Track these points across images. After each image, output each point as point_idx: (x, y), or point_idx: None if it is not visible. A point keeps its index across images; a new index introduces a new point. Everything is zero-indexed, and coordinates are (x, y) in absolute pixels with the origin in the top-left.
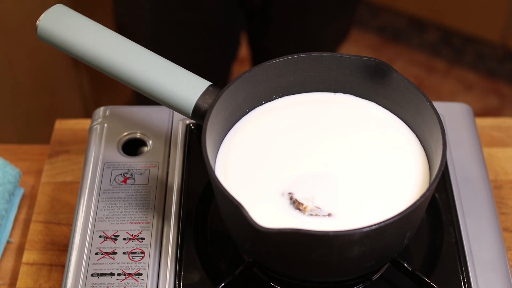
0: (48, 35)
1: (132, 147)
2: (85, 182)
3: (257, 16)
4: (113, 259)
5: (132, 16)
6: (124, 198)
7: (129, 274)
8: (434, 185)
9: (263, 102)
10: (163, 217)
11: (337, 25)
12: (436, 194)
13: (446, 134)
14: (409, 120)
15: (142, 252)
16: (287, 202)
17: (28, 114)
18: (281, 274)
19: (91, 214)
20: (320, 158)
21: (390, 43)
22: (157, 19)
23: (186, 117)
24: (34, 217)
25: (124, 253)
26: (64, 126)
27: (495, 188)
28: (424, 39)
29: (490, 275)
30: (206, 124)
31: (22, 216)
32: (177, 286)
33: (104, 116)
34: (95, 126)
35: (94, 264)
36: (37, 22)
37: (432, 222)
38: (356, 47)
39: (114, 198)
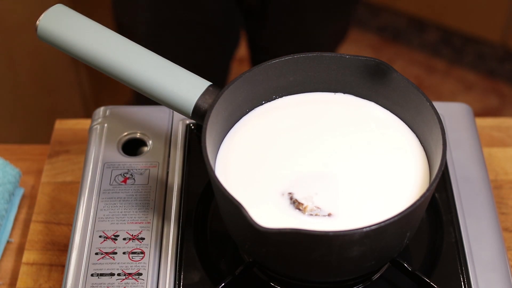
0: (48, 35)
1: (132, 147)
2: (85, 182)
3: (255, 15)
4: (113, 259)
5: (131, 15)
6: (124, 198)
7: (129, 274)
8: (434, 185)
9: (263, 102)
10: (163, 217)
11: (334, 25)
12: (436, 194)
13: (446, 134)
14: (409, 120)
15: (142, 252)
16: (287, 202)
17: (28, 114)
18: (281, 274)
19: (91, 214)
20: (320, 158)
21: (390, 43)
22: (156, 18)
23: (186, 117)
24: (34, 217)
25: (124, 253)
26: (64, 126)
27: (495, 188)
28: (424, 39)
29: (490, 275)
30: (206, 124)
31: (22, 216)
32: (177, 286)
33: (104, 116)
34: (95, 126)
35: (94, 264)
36: (37, 22)
37: (432, 222)
38: (356, 47)
39: (114, 198)
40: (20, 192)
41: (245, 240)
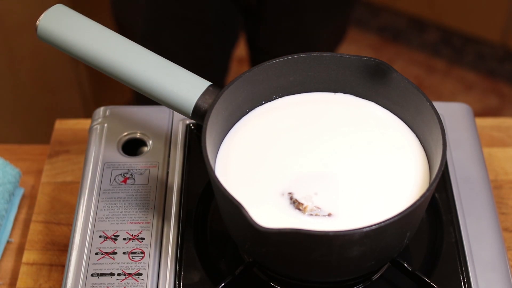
0: (48, 35)
1: (132, 147)
2: (85, 182)
3: (253, 15)
4: (113, 259)
5: (130, 13)
6: (124, 198)
7: (129, 274)
8: (434, 185)
9: (263, 102)
10: (163, 217)
11: (333, 25)
12: (436, 194)
13: (446, 134)
14: (409, 120)
15: (142, 252)
16: (287, 202)
17: (28, 114)
18: (281, 274)
19: (91, 214)
20: (320, 158)
21: (390, 43)
22: (154, 16)
23: (186, 117)
24: (34, 217)
25: (124, 253)
26: (64, 126)
27: (495, 188)
28: (424, 39)
29: (490, 275)
30: (206, 124)
31: (22, 216)
32: (177, 286)
33: (104, 116)
34: (95, 126)
35: (94, 264)
36: (37, 22)
37: (432, 222)
38: (356, 47)
39: (114, 198)
40: (20, 192)
41: (245, 240)
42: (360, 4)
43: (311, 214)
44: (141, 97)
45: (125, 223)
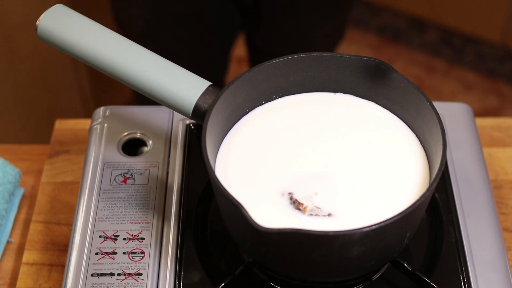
0: (48, 35)
1: (132, 147)
2: (85, 182)
3: (251, 15)
4: (113, 259)
5: (128, 11)
6: (124, 198)
7: (129, 274)
8: (434, 185)
9: (263, 102)
10: (163, 217)
11: (329, 25)
12: (436, 194)
13: (446, 134)
14: (409, 120)
15: (142, 252)
16: (287, 202)
17: (28, 114)
18: (281, 274)
19: (91, 214)
20: (320, 158)
21: (390, 43)
22: (152, 14)
23: (186, 117)
24: (34, 217)
25: (124, 253)
26: (64, 126)
27: (495, 188)
28: (424, 39)
29: (490, 275)
30: (206, 124)
31: (22, 216)
32: (177, 286)
33: (104, 116)
34: (95, 126)
35: (94, 264)
36: (37, 22)
37: (432, 222)
38: (356, 47)
39: (114, 198)
40: (20, 192)
41: (245, 240)
42: (360, 4)
43: (311, 214)
44: (141, 97)
45: (125, 223)
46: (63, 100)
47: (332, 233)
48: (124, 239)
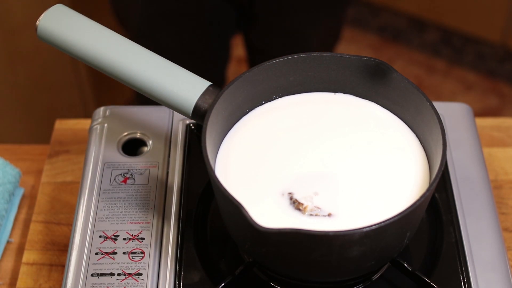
0: (48, 35)
1: (132, 147)
2: (85, 182)
3: (246, 14)
4: (113, 259)
5: (126, 7)
6: (124, 198)
7: (129, 274)
8: (434, 185)
9: (263, 102)
10: (163, 217)
11: (323, 26)
12: (436, 194)
13: (446, 134)
14: (409, 120)
15: (142, 252)
16: (287, 202)
17: (28, 114)
18: (281, 274)
19: (91, 214)
20: (320, 158)
21: (390, 43)
22: (150, 10)
23: (186, 117)
24: (34, 217)
25: (124, 253)
26: (64, 126)
27: (495, 188)
28: (424, 39)
29: (490, 275)
30: (206, 124)
31: (22, 216)
32: (177, 286)
33: (104, 116)
34: (95, 126)
35: (94, 264)
36: (37, 22)
37: (432, 222)
38: (356, 47)
39: (114, 198)
40: (20, 192)
41: (245, 240)
42: (360, 4)
43: (311, 214)
44: (141, 97)
45: (125, 223)
46: (63, 100)
47: (332, 233)
48: (124, 239)
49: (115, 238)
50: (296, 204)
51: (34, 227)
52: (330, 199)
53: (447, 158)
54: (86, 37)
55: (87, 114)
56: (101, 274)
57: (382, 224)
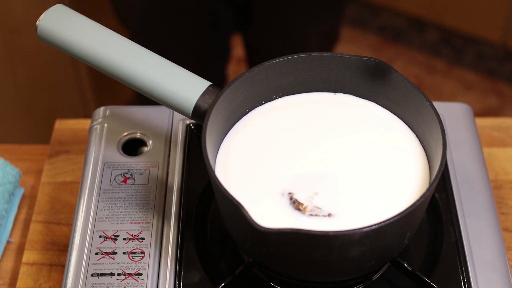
0: (48, 35)
1: (132, 147)
2: (85, 182)
3: (244, 13)
4: (113, 259)
5: (125, 5)
6: (124, 198)
7: (129, 274)
8: (434, 185)
9: (263, 102)
10: (163, 217)
11: (320, 26)
12: (436, 194)
13: (446, 134)
14: (409, 120)
15: (142, 252)
16: (287, 202)
17: (28, 114)
18: (281, 274)
19: (91, 214)
20: (320, 158)
21: (390, 43)
22: (148, 8)
23: (186, 117)
24: (34, 217)
25: (124, 253)
26: (64, 126)
27: (495, 188)
28: (424, 39)
29: (490, 275)
30: (206, 124)
31: (22, 216)
32: (177, 286)
33: (104, 116)
34: (95, 126)
35: (94, 264)
36: (37, 22)
37: (432, 222)
38: (356, 47)
39: (114, 198)
40: (20, 192)
41: (245, 240)
42: (360, 4)
43: (311, 214)
44: (141, 97)
45: (125, 223)
46: (63, 100)
47: (332, 233)
48: (124, 239)
49: (115, 238)
50: (296, 204)
51: (34, 227)
52: (330, 199)
53: (447, 158)
54: (86, 37)
55: (87, 114)
56: (101, 274)
57: (382, 224)
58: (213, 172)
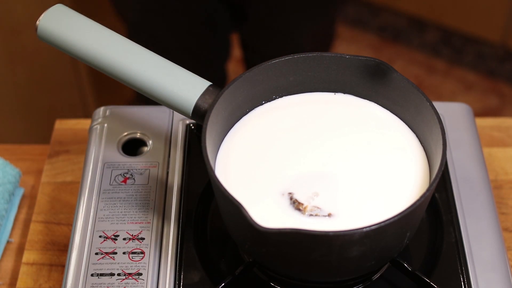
0: (48, 35)
1: (132, 147)
2: (85, 182)
3: (239, 12)
4: (113, 259)
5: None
6: (124, 198)
7: (129, 274)
8: (434, 185)
9: (263, 102)
10: (163, 217)
11: (315, 25)
12: (436, 194)
13: (446, 134)
14: (409, 120)
15: (142, 252)
16: (287, 202)
17: (28, 114)
18: (281, 274)
19: (91, 214)
20: (320, 158)
21: (390, 43)
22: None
23: (186, 117)
24: (34, 217)
25: (124, 253)
26: (64, 126)
27: (495, 188)
28: (424, 39)
29: (490, 275)
30: (206, 124)
31: (22, 216)
32: (177, 286)
33: (104, 116)
34: (95, 126)
35: (94, 264)
36: (37, 22)
37: (432, 222)
38: (356, 47)
39: (114, 198)
40: (20, 192)
41: (245, 240)
42: (360, 4)
43: (311, 214)
44: (141, 97)
45: (125, 223)
46: (63, 100)
47: (332, 233)
48: (124, 239)
49: (115, 238)
50: (296, 204)
51: (34, 227)
52: (330, 199)
53: (447, 158)
54: (86, 37)
55: (87, 114)
56: (101, 274)
57: (382, 224)
58: (213, 172)
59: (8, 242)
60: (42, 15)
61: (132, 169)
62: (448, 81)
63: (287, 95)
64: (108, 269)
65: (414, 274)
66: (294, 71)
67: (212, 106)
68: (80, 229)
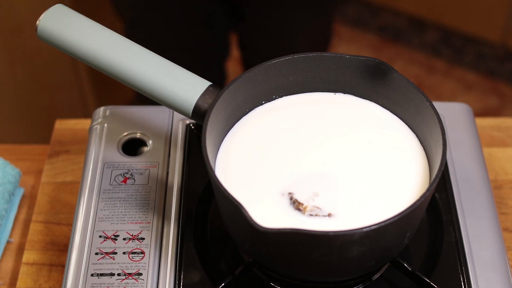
0: (48, 35)
1: (132, 147)
2: (85, 182)
3: (236, 11)
4: (113, 259)
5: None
6: (124, 198)
7: (129, 274)
8: (434, 185)
9: (263, 102)
10: (163, 217)
11: (311, 25)
12: (436, 194)
13: (446, 134)
14: (409, 120)
15: (142, 252)
16: (287, 202)
17: (28, 114)
18: (281, 274)
19: (91, 214)
20: (320, 158)
21: (390, 43)
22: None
23: (186, 117)
24: (34, 217)
25: (124, 253)
26: (64, 126)
27: (495, 188)
28: (424, 39)
29: (490, 275)
30: (206, 124)
31: (22, 216)
32: (177, 286)
33: (104, 116)
34: (95, 126)
35: (94, 264)
36: (37, 22)
37: (432, 222)
38: (356, 47)
39: (114, 198)
40: (20, 192)
41: (245, 240)
42: (360, 4)
43: (311, 214)
44: (141, 97)
45: (125, 223)
46: (63, 100)
47: (332, 233)
48: (124, 239)
49: (115, 238)
50: (296, 204)
51: (34, 227)
52: (330, 199)
53: (447, 158)
54: (86, 37)
55: (87, 114)
56: (101, 274)
57: (382, 224)
58: (213, 172)
59: (8, 242)
60: (42, 15)
61: (132, 169)
62: (448, 81)
63: (287, 95)
64: (108, 269)
65: (414, 274)
66: (294, 71)
67: (212, 106)
68: (80, 229)
